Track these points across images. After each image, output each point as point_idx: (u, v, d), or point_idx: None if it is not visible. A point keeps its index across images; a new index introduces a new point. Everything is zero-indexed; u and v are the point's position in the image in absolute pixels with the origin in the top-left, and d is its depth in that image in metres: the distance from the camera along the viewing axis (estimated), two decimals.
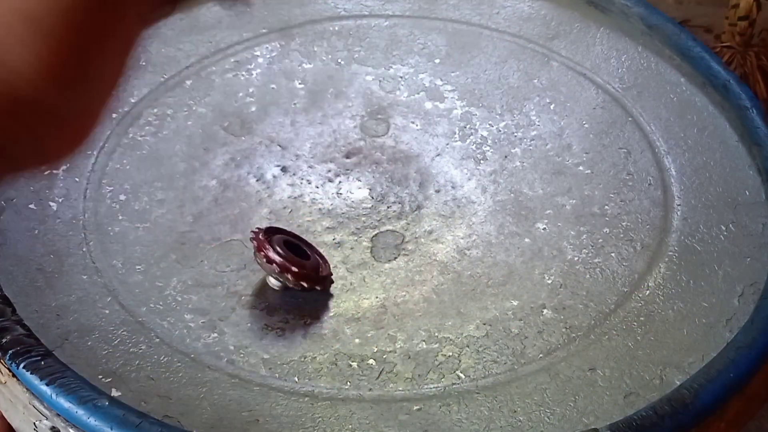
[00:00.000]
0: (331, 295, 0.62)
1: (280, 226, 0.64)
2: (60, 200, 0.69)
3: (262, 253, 0.59)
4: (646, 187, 0.70)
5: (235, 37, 0.84)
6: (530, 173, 0.71)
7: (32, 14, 0.23)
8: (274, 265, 0.58)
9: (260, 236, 0.59)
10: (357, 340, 0.59)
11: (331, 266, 0.63)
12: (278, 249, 0.59)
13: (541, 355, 0.58)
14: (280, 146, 0.74)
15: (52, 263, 0.63)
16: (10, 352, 0.52)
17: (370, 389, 0.56)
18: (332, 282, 0.63)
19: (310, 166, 0.72)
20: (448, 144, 0.74)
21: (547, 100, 0.78)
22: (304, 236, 0.65)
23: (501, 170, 0.72)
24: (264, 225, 0.65)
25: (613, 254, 0.65)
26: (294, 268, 0.58)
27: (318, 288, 0.60)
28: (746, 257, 0.64)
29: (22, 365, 0.52)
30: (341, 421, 0.54)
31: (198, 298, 0.61)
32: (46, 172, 0.71)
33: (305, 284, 0.59)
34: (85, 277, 0.62)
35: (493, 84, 0.79)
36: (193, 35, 0.84)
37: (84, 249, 0.64)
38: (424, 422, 0.54)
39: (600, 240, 0.66)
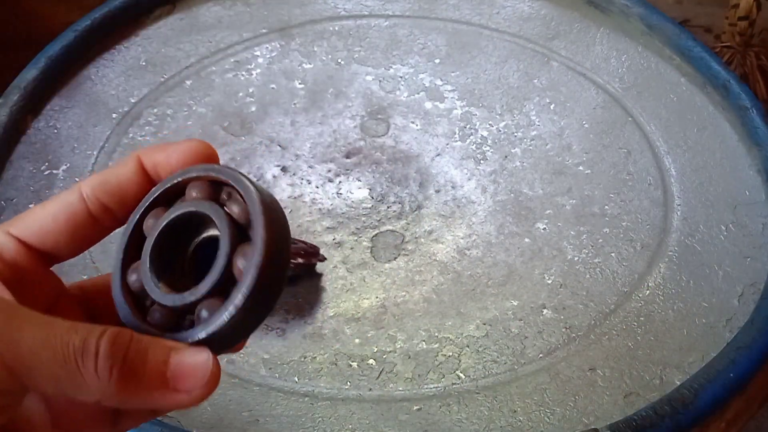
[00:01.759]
0: (331, 295, 0.62)
1: None
2: None
3: None
4: (646, 187, 0.70)
5: (235, 37, 0.84)
6: (530, 173, 0.71)
7: None
8: None
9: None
10: (357, 340, 0.59)
11: (327, 258, 0.63)
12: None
13: (541, 355, 0.58)
14: (280, 146, 0.74)
15: None
16: None
17: (370, 389, 0.56)
18: (323, 258, 0.62)
19: (310, 166, 0.72)
20: (448, 144, 0.74)
21: (547, 100, 0.78)
22: (303, 236, 0.65)
23: (501, 170, 0.72)
24: None
25: (613, 254, 0.65)
26: None
27: (302, 261, 0.60)
28: (746, 257, 0.64)
29: None
30: (341, 421, 0.54)
31: None
32: (46, 173, 0.71)
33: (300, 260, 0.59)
34: (85, 276, 0.62)
35: (493, 84, 0.79)
36: (193, 35, 0.84)
37: None
38: (424, 422, 0.54)
39: (600, 240, 0.66)
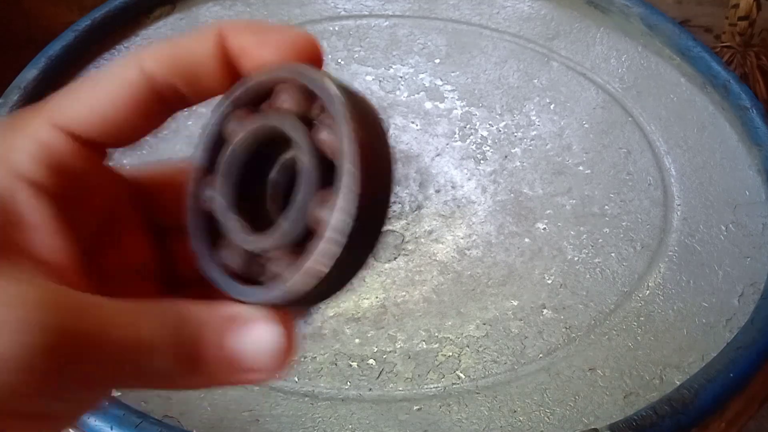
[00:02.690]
0: None
1: None
2: None
3: None
4: (646, 187, 0.70)
5: None
6: (530, 173, 0.71)
7: None
8: None
9: None
10: (357, 340, 0.59)
11: None
12: None
13: (541, 355, 0.58)
14: None
15: None
16: None
17: (370, 389, 0.56)
18: None
19: None
20: (448, 144, 0.74)
21: (547, 100, 0.78)
22: None
23: (501, 170, 0.72)
24: None
25: (613, 254, 0.65)
26: None
27: None
28: (746, 257, 0.64)
29: None
30: (341, 421, 0.54)
31: None
32: None
33: None
34: None
35: (493, 84, 0.79)
36: None
37: None
38: (424, 422, 0.54)
39: (600, 240, 0.66)
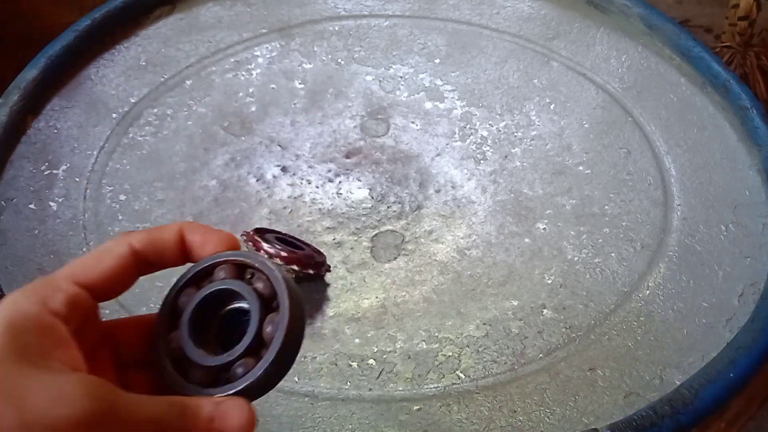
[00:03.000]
0: (331, 295, 0.62)
1: (272, 228, 0.64)
2: (60, 200, 0.69)
3: (253, 245, 0.58)
4: (646, 187, 0.70)
5: (235, 37, 0.84)
6: (530, 173, 0.71)
7: None
8: (262, 252, 0.58)
9: (252, 234, 0.59)
10: (357, 340, 0.59)
11: (327, 257, 0.63)
12: (270, 242, 0.59)
13: (541, 355, 0.58)
14: (280, 146, 0.74)
15: (52, 263, 0.63)
16: None
17: (370, 389, 0.56)
18: (329, 269, 0.62)
19: (310, 166, 0.72)
20: (448, 144, 0.74)
21: (547, 100, 0.78)
22: (303, 236, 0.65)
23: (501, 170, 0.72)
24: (263, 225, 0.65)
25: (613, 254, 0.65)
26: (284, 253, 0.58)
27: (312, 272, 0.60)
28: (746, 257, 0.64)
29: None
30: (341, 421, 0.54)
31: None
32: (46, 173, 0.71)
33: (297, 268, 0.58)
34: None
35: (493, 84, 0.79)
36: (193, 35, 0.84)
37: (84, 249, 0.64)
38: (424, 422, 0.54)
39: (600, 240, 0.66)
